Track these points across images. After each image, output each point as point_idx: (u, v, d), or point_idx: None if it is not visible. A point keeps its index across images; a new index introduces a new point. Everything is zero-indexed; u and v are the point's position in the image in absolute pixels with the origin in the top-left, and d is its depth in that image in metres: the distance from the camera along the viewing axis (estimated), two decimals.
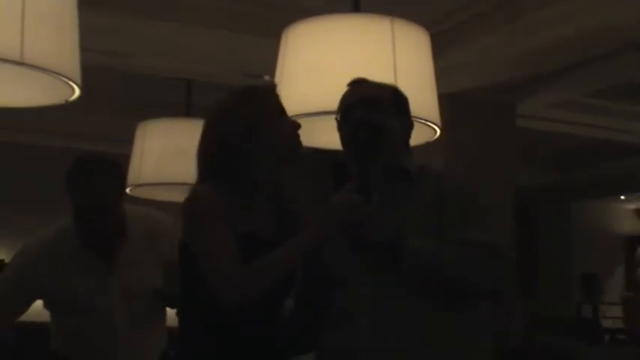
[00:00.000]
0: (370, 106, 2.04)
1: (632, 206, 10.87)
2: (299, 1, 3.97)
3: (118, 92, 6.22)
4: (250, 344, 1.97)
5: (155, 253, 2.67)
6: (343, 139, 2.08)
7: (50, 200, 4.28)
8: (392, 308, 1.94)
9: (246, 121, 2.01)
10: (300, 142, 2.09)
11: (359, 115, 2.03)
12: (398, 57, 2.50)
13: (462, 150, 5.04)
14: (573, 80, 5.37)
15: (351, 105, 2.08)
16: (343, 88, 2.13)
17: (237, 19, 4.37)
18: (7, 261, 4.36)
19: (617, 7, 3.94)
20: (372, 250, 1.89)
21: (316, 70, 2.52)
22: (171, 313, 2.53)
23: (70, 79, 1.83)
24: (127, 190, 3.84)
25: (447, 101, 3.66)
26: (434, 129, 2.60)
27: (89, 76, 2.06)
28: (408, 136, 2.14)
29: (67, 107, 2.17)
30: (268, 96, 2.09)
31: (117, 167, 2.66)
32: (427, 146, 2.67)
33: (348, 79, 2.14)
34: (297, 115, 2.28)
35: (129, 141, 4.34)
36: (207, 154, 2.05)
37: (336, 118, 2.12)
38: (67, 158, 2.68)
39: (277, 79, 2.57)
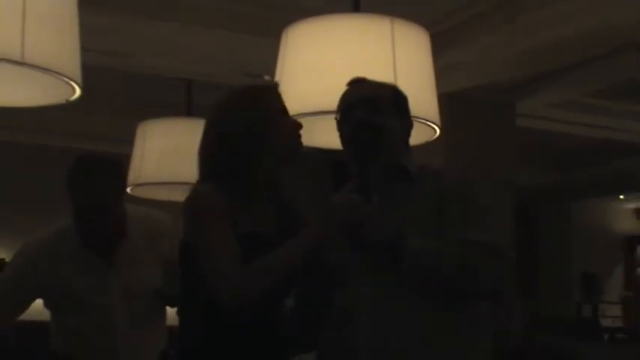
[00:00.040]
0: (370, 106, 2.04)
1: (631, 206, 10.88)
2: (299, 1, 3.98)
3: (118, 92, 6.23)
4: (250, 344, 1.97)
5: (155, 253, 2.68)
6: (343, 139, 2.08)
7: (50, 200, 4.28)
8: (392, 308, 1.94)
9: (246, 121, 2.01)
10: (300, 142, 2.08)
11: (359, 115, 2.03)
12: (398, 57, 2.50)
13: (462, 149, 5.04)
14: (573, 80, 5.38)
15: (350, 105, 2.08)
16: (343, 88, 2.13)
17: (237, 19, 4.38)
18: (7, 260, 4.37)
19: (617, 7, 3.94)
20: (372, 250, 1.89)
21: (316, 70, 2.52)
22: (171, 312, 2.53)
23: (71, 79, 1.84)
24: (128, 190, 3.85)
25: (447, 101, 3.67)
26: (433, 128, 2.61)
27: (90, 76, 2.07)
28: (408, 135, 2.14)
29: (68, 107, 2.18)
30: (269, 96, 2.09)
31: (117, 167, 2.66)
32: (427, 146, 2.67)
33: (348, 79, 2.15)
34: (297, 115, 2.28)
35: (129, 141, 4.34)
36: (208, 154, 2.05)
37: (335, 118, 2.12)
38: (67, 158, 2.68)
39: (277, 79, 2.57)
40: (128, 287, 2.65)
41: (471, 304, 2.04)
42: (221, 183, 1.98)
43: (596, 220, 10.57)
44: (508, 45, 4.48)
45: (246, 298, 1.88)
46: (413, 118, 2.17)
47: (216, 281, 1.89)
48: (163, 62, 5.02)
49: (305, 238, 1.90)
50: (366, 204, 1.88)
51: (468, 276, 1.93)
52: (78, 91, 1.91)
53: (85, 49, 1.96)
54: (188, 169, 2.32)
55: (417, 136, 2.28)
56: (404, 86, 2.20)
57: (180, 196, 2.87)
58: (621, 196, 10.41)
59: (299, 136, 2.07)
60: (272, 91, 2.12)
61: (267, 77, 4.22)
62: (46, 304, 2.76)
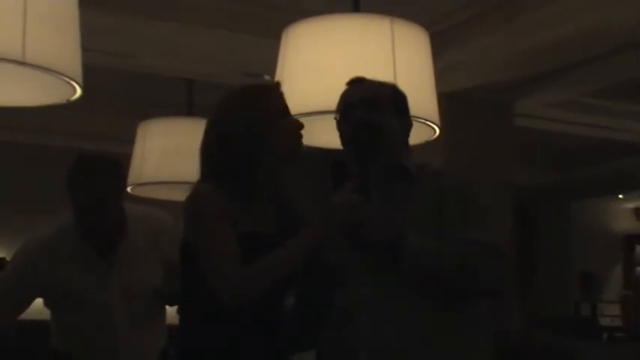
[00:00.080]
0: (370, 106, 2.04)
1: (630, 205, 10.87)
2: (299, 1, 3.98)
3: (119, 92, 6.23)
4: (250, 344, 1.98)
5: (155, 252, 2.68)
6: (343, 138, 2.08)
7: (50, 200, 4.28)
8: (392, 308, 1.94)
9: (246, 121, 2.01)
10: (301, 142, 2.08)
11: (358, 114, 2.03)
12: (397, 57, 2.51)
13: (461, 149, 5.04)
14: (573, 80, 5.38)
15: (350, 105, 2.08)
16: (343, 88, 2.14)
17: (237, 19, 4.38)
18: (8, 259, 4.37)
19: (616, 6, 3.95)
20: (372, 250, 1.89)
21: (316, 70, 2.53)
22: (171, 311, 2.53)
23: (72, 79, 1.84)
24: (129, 189, 3.86)
25: (446, 101, 3.68)
26: (433, 128, 2.61)
27: (90, 75, 2.07)
28: (408, 135, 2.13)
29: (69, 107, 2.18)
30: (269, 95, 2.09)
31: (117, 166, 2.66)
32: (426, 145, 2.68)
33: (348, 79, 2.15)
34: (297, 115, 2.28)
35: (130, 140, 4.35)
36: (208, 153, 2.05)
37: (335, 118, 2.11)
38: (67, 158, 2.69)
39: (277, 79, 2.57)
40: (128, 286, 2.65)
41: (471, 304, 2.04)
42: (221, 183, 1.98)
43: (596, 219, 10.56)
44: (507, 45, 4.49)
45: (246, 298, 1.89)
46: (413, 118, 2.17)
47: (216, 281, 1.89)
48: (164, 62, 5.03)
49: (305, 238, 1.90)
50: (366, 204, 1.89)
51: (468, 276, 1.93)
52: (79, 91, 1.91)
53: (85, 49, 1.96)
54: (188, 169, 2.32)
55: (417, 136, 2.28)
56: (404, 86, 2.20)
57: (180, 195, 2.87)
58: (620, 196, 10.41)
59: (300, 135, 2.07)
60: (273, 91, 2.12)
61: (267, 77, 4.22)
62: (46, 303, 2.76)
